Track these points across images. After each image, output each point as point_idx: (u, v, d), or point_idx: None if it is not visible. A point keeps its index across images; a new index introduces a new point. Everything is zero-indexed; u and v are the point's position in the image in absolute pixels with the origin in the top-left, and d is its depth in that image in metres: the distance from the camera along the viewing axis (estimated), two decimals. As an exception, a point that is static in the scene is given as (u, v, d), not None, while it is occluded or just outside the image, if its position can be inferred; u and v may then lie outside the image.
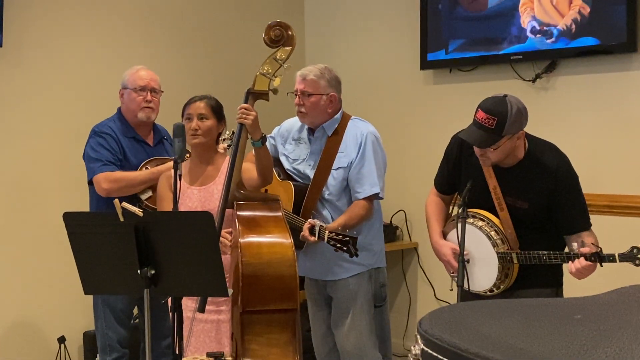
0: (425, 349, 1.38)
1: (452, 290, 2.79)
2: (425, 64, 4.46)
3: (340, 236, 2.95)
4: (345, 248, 2.95)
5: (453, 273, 2.84)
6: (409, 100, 4.64)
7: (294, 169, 3.34)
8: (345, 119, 3.31)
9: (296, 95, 3.25)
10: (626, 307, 1.54)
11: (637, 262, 2.56)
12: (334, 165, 3.24)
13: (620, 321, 1.43)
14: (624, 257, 2.56)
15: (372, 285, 3.34)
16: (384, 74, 4.76)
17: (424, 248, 4.54)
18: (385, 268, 3.46)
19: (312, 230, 3.00)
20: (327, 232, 2.97)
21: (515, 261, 2.71)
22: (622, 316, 1.48)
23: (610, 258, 2.56)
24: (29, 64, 4.07)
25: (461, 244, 2.66)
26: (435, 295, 4.49)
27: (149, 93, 3.36)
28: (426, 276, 4.56)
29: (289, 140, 3.40)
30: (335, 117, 3.28)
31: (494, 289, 2.76)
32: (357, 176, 3.21)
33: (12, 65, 4.01)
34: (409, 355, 1.47)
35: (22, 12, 4.03)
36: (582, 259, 2.58)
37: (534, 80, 3.97)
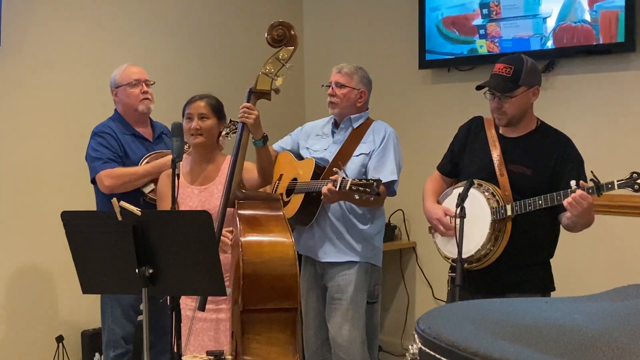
0: (423, 348, 1.38)
1: (450, 289, 2.79)
2: (423, 64, 4.46)
3: (363, 181, 2.94)
4: (369, 189, 2.90)
5: (451, 273, 2.79)
6: (408, 99, 4.64)
7: (315, 157, 3.41)
8: (370, 119, 3.44)
9: (330, 86, 3.37)
10: (624, 307, 1.54)
11: (635, 187, 2.51)
12: (355, 152, 3.32)
13: (618, 321, 1.44)
14: (623, 184, 2.51)
15: (367, 280, 3.36)
16: (383, 74, 4.75)
17: (422, 248, 4.55)
18: (381, 269, 3.48)
19: (334, 182, 3.00)
20: (349, 181, 2.94)
21: (509, 212, 2.68)
22: (620, 316, 1.48)
23: (609, 186, 2.51)
24: (28, 63, 4.06)
25: (459, 243, 2.65)
26: (433, 294, 4.50)
27: (143, 84, 3.42)
28: (424, 276, 4.56)
29: (312, 135, 3.51)
30: (362, 113, 3.41)
31: (482, 251, 2.70)
32: (376, 164, 3.29)
33: (11, 65, 4.01)
34: (407, 354, 1.48)
35: (21, 11, 4.03)
36: (578, 190, 2.51)
37: (532, 80, 3.97)
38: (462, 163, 2.94)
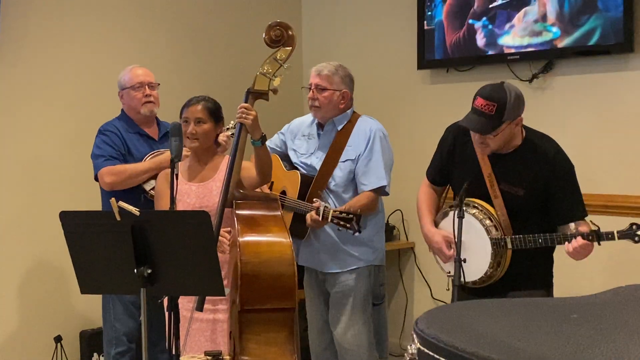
0: (422, 348, 1.39)
1: (448, 290, 2.79)
2: (422, 64, 4.46)
3: (344, 214, 2.96)
4: (348, 225, 2.94)
5: (449, 274, 2.83)
6: (406, 99, 4.64)
7: (302, 162, 3.38)
8: (355, 116, 3.36)
9: (310, 89, 3.30)
10: (622, 307, 1.55)
11: (636, 239, 2.54)
12: (342, 158, 3.28)
13: (617, 321, 1.44)
14: (623, 235, 2.54)
15: (371, 282, 3.34)
16: (381, 74, 4.76)
17: (420, 248, 4.54)
18: (384, 267, 3.47)
19: (316, 211, 3.02)
20: (331, 211, 2.97)
21: (509, 246, 2.69)
22: (618, 316, 1.48)
23: (609, 236, 2.54)
24: (26, 62, 4.06)
25: (458, 243, 2.65)
26: (431, 294, 4.50)
27: (147, 87, 3.44)
28: (423, 276, 4.56)
29: (299, 135, 3.46)
30: (346, 113, 3.33)
31: (485, 277, 2.73)
32: (364, 169, 3.25)
33: (9, 64, 4.00)
34: (406, 354, 1.48)
35: (19, 10, 4.02)
36: (579, 238, 2.55)
37: (530, 80, 3.97)
38: (453, 175, 2.91)
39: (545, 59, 3.92)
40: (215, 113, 3.00)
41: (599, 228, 2.57)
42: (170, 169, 2.50)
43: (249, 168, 2.96)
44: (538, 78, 3.96)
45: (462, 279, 2.65)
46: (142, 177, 3.29)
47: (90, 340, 4.05)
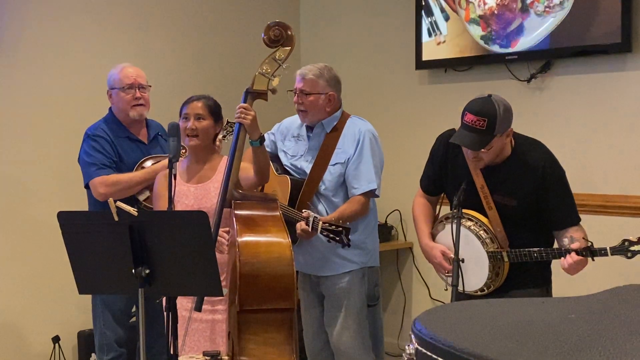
0: (420, 348, 1.39)
1: (446, 290, 2.80)
2: (420, 64, 4.46)
3: (333, 227, 2.98)
4: (337, 238, 2.98)
5: (448, 273, 2.84)
6: (405, 100, 4.64)
7: (292, 164, 3.36)
8: (344, 117, 3.33)
9: (295, 93, 3.27)
10: (620, 307, 1.55)
11: (628, 254, 2.56)
12: (332, 161, 3.26)
13: (614, 321, 1.44)
14: (616, 251, 2.56)
15: (365, 284, 3.34)
16: (380, 74, 4.77)
17: (418, 248, 4.53)
18: (379, 268, 3.47)
19: (306, 221, 3.03)
20: (320, 222, 2.99)
21: (506, 259, 2.71)
22: (616, 316, 1.48)
23: (602, 252, 2.57)
24: (24, 63, 4.06)
25: (456, 243, 2.66)
26: (430, 295, 4.50)
27: (137, 90, 3.32)
28: (421, 276, 4.56)
29: (289, 137, 3.42)
30: (334, 114, 3.30)
31: (485, 288, 2.77)
32: (354, 172, 3.23)
33: (8, 65, 4.00)
34: (403, 354, 1.48)
35: (18, 11, 4.02)
36: (573, 254, 2.58)
37: (528, 80, 3.98)
38: (447, 186, 2.91)
39: (543, 59, 3.92)
40: (215, 111, 3.00)
41: (592, 244, 2.59)
42: (168, 169, 2.49)
43: (247, 168, 2.96)
44: (536, 78, 3.96)
45: (461, 287, 2.66)
46: (137, 187, 3.22)
47: (88, 341, 4.04)
